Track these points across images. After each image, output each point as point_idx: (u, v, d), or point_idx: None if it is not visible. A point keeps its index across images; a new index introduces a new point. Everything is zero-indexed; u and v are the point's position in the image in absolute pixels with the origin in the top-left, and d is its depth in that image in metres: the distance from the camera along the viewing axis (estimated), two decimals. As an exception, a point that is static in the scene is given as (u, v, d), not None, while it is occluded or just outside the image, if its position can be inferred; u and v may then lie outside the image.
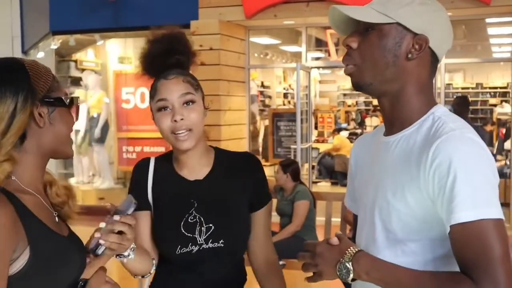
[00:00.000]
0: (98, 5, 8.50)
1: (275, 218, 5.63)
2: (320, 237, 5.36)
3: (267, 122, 10.56)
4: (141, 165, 2.01)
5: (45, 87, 1.47)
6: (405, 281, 1.33)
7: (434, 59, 1.45)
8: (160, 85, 1.87)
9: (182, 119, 1.82)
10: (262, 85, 15.29)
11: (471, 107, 16.04)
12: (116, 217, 1.58)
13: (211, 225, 1.87)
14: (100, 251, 1.58)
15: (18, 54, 11.27)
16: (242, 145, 8.32)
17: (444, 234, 1.33)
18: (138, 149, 9.70)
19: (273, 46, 12.60)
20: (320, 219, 5.45)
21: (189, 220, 1.88)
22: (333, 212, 5.06)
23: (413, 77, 1.43)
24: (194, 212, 1.89)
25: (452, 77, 16.36)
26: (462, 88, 16.65)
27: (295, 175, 5.49)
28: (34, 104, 1.44)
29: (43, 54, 10.36)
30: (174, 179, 1.95)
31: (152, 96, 1.88)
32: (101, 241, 1.57)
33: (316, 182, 11.06)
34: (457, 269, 1.32)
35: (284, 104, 15.98)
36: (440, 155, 1.30)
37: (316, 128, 13.02)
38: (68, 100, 1.52)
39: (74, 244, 1.58)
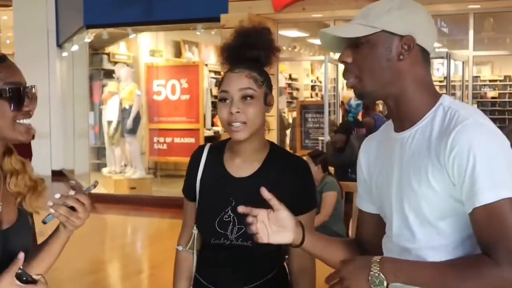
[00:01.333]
0: (130, -1, 8.70)
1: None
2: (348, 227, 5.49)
3: (295, 114, 10.66)
4: (196, 154, 2.09)
5: None
6: (430, 273, 1.39)
7: (424, 54, 1.53)
8: (226, 77, 1.94)
9: (238, 112, 1.88)
10: (290, 78, 15.36)
11: (498, 100, 15.98)
12: (71, 192, 1.62)
13: (242, 226, 1.90)
14: (47, 219, 1.61)
15: (53, 47, 11.60)
16: (271, 137, 8.44)
17: None
18: (168, 140, 9.87)
19: (301, 39, 12.67)
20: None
21: (224, 219, 1.96)
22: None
23: (410, 75, 1.50)
24: (230, 211, 1.96)
25: (480, 69, 16.19)
26: (490, 81, 16.52)
27: (324, 166, 5.56)
28: None
29: (77, 47, 10.63)
30: (220, 173, 2.02)
31: (218, 86, 1.97)
32: (51, 210, 1.59)
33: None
34: None
35: (311, 97, 16.02)
36: (459, 144, 1.37)
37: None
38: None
39: (5, 239, 1.60)
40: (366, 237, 1.74)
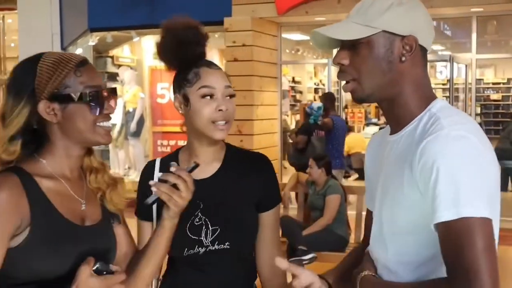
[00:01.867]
0: (134, 2, 8.72)
1: (293, 210, 5.78)
2: (352, 230, 5.50)
3: (298, 117, 10.68)
4: (147, 170, 1.97)
5: (53, 86, 1.54)
6: None
7: (423, 53, 1.44)
8: (204, 72, 1.83)
9: (227, 109, 1.81)
10: (293, 81, 15.40)
11: (502, 103, 15.99)
12: (172, 169, 1.60)
13: (217, 227, 1.84)
14: (150, 200, 1.60)
15: (57, 50, 11.59)
16: (274, 140, 8.47)
17: None
18: (172, 142, 9.90)
19: (304, 42, 12.68)
20: (351, 213, 5.58)
21: (195, 223, 1.85)
22: (363, 205, 5.15)
23: (410, 76, 1.42)
24: (199, 214, 1.86)
25: (483, 72, 16.23)
26: (493, 84, 16.54)
27: (328, 169, 5.59)
28: (37, 102, 1.54)
29: (81, 51, 10.63)
30: None
31: (191, 81, 1.83)
32: (153, 188, 1.58)
33: (346, 177, 11.16)
34: None
35: (314, 99, 16.07)
36: (425, 155, 1.30)
37: (346, 123, 13.09)
38: (79, 96, 1.55)
39: (88, 235, 1.60)
40: (368, 236, 1.72)
